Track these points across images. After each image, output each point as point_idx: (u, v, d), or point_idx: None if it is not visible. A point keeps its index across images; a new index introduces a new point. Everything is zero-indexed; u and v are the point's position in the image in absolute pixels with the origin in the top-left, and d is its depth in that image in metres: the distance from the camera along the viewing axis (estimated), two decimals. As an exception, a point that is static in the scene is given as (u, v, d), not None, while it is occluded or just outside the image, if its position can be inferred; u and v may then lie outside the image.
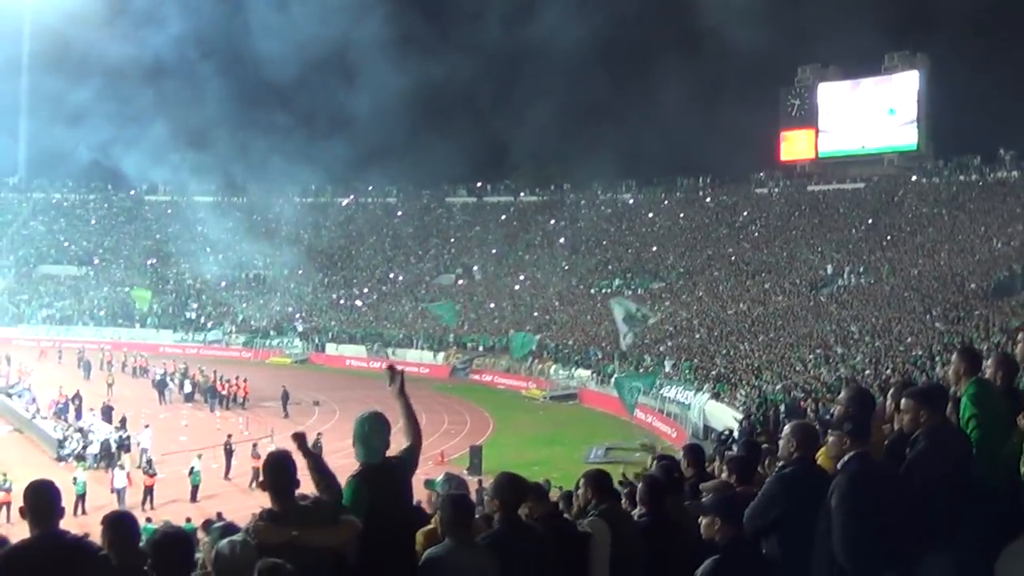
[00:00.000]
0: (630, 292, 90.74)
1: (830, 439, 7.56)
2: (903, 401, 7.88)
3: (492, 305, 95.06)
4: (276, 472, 6.97)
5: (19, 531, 6.50)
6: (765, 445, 11.06)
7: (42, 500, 6.44)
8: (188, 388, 66.58)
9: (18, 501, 6.49)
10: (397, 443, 7.68)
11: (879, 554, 6.89)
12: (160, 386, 66.29)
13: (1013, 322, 50.52)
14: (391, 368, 8.13)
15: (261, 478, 6.96)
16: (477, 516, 8.30)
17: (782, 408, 45.94)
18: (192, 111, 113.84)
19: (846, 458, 7.28)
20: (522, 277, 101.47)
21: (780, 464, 8.40)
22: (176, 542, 6.64)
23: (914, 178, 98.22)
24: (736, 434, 41.24)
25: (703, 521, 7.55)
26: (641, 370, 67.61)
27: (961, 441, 7.68)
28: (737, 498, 7.98)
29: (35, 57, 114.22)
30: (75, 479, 37.45)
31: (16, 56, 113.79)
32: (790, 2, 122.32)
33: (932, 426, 7.55)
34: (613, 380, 62.00)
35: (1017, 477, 7.26)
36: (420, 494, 9.84)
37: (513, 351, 75.15)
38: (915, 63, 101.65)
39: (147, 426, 49.06)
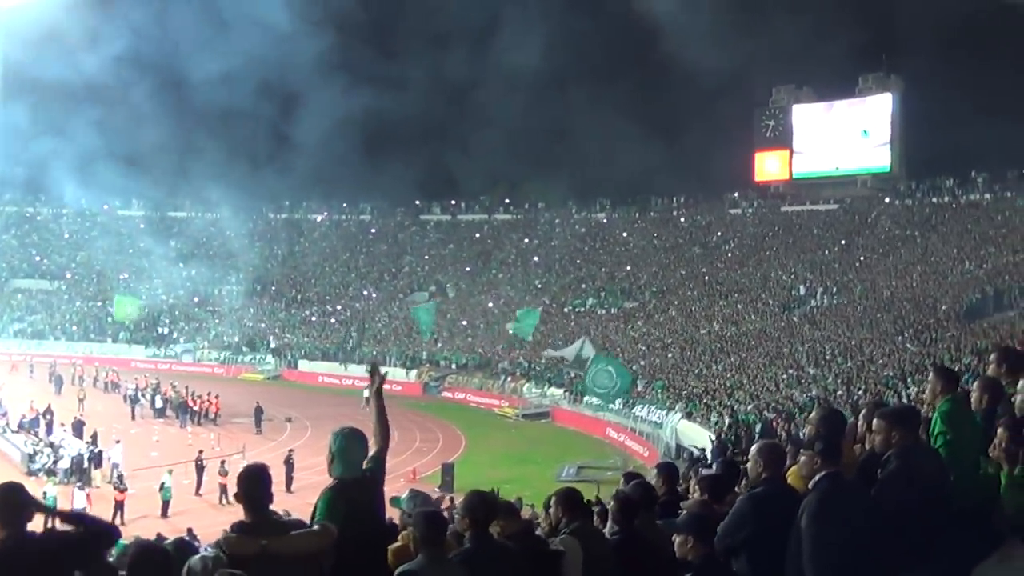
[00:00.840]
0: (603, 311, 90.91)
1: (801, 459, 7.57)
2: (874, 422, 7.90)
3: (464, 323, 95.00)
4: (251, 484, 6.93)
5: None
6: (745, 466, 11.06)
7: (7, 503, 6.41)
8: (160, 404, 66.29)
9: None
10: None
11: (850, 574, 6.89)
12: (133, 401, 66.09)
13: (984, 344, 50.74)
14: (375, 366, 8.11)
15: (236, 490, 6.90)
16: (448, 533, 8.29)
17: (757, 428, 46.03)
18: (165, 126, 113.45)
19: (817, 478, 7.29)
20: (496, 295, 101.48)
21: (749, 484, 8.41)
22: (155, 555, 6.58)
23: (887, 200, 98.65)
24: (708, 453, 41.35)
25: (676, 539, 7.55)
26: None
27: (933, 461, 7.70)
28: (710, 517, 7.99)
29: (6, 72, 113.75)
30: (44, 494, 37.22)
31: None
32: (765, 24, 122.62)
33: (904, 446, 7.57)
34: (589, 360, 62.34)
35: (992, 498, 7.28)
36: (390, 511, 9.83)
37: (518, 328, 76.26)
38: (889, 85, 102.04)
39: (118, 441, 48.89)
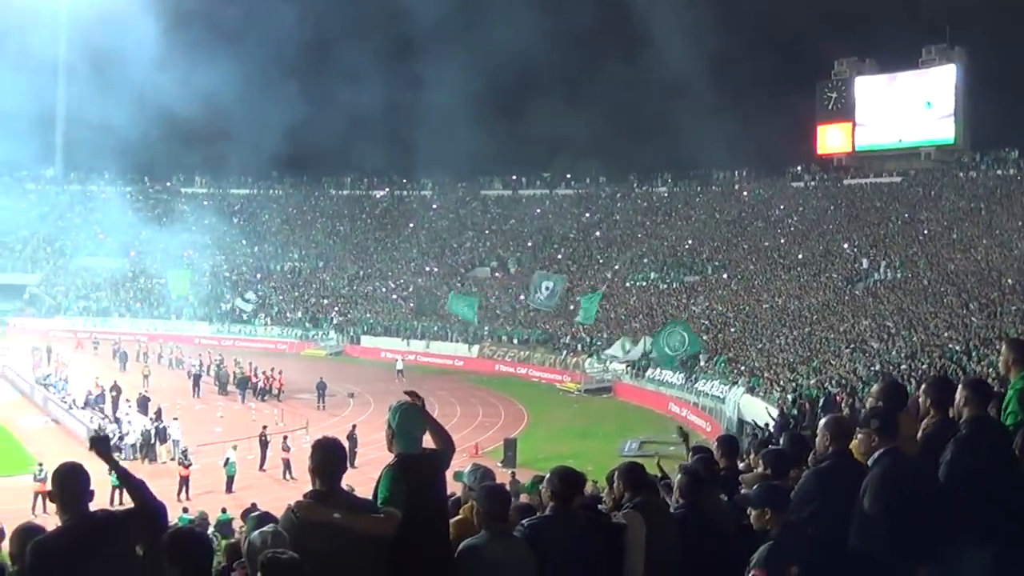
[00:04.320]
0: (664, 286, 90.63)
1: (858, 436, 7.51)
2: (959, 390, 7.79)
3: (523, 297, 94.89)
4: (325, 456, 7.00)
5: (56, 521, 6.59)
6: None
7: (69, 483, 6.54)
8: (224, 380, 66.63)
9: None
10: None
11: (916, 549, 6.84)
12: (196, 379, 66.40)
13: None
14: (411, 393, 8.06)
15: (309, 461, 6.96)
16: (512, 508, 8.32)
17: (820, 402, 45.83)
18: (227, 103, 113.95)
19: (876, 455, 7.24)
20: (557, 270, 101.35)
21: (816, 458, 8.35)
22: (190, 542, 6.62)
23: (951, 172, 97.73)
24: (772, 427, 41.19)
25: (753, 513, 7.50)
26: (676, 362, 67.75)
27: (1002, 435, 7.63)
28: (784, 488, 7.94)
29: (71, 51, 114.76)
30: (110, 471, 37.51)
31: (52, 50, 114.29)
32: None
33: (974, 416, 7.51)
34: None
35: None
36: (453, 486, 9.86)
37: (585, 318, 78.63)
38: (952, 57, 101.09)
39: (175, 419, 49.26)
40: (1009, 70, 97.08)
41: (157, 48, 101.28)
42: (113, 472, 7.10)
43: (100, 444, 7.37)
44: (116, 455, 40.96)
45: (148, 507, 6.83)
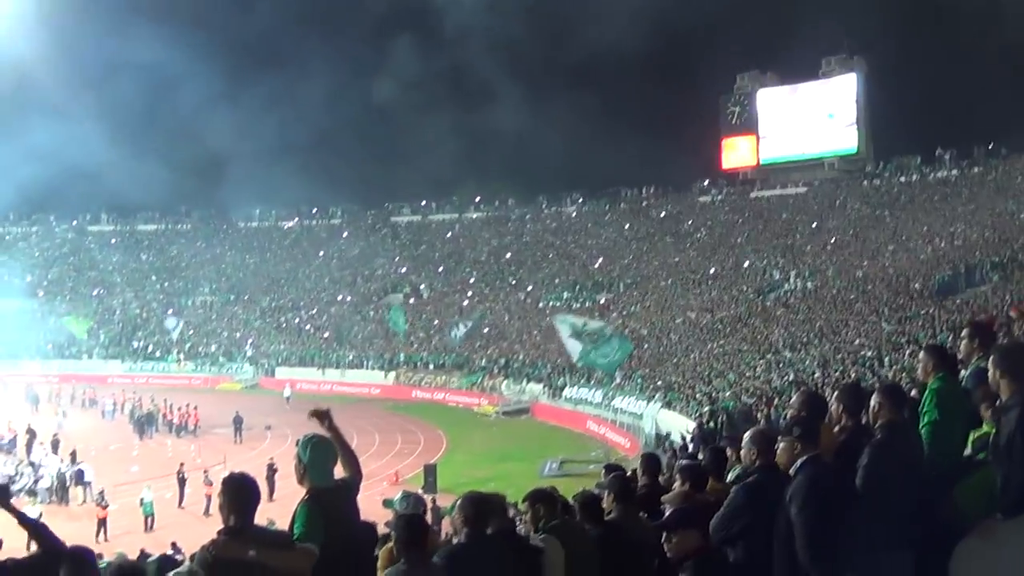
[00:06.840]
0: (577, 305, 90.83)
1: (780, 445, 7.57)
2: (873, 397, 7.90)
3: (436, 322, 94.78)
4: (234, 492, 6.84)
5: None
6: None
7: None
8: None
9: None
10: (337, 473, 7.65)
11: (840, 555, 6.90)
12: (138, 424, 64.93)
13: (959, 320, 50.89)
14: (316, 412, 7.99)
15: (220, 498, 6.85)
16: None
17: (729, 415, 46.13)
18: (133, 139, 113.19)
19: (798, 463, 7.30)
20: (470, 293, 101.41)
21: (743, 473, 8.41)
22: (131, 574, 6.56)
23: (855, 181, 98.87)
24: (690, 441, 41.39)
25: (673, 539, 7.53)
26: (592, 381, 67.87)
27: (917, 439, 7.72)
28: (697, 508, 7.99)
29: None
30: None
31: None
32: (728, 10, 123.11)
33: (889, 421, 7.58)
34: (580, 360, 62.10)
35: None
36: (381, 515, 9.81)
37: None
38: (852, 66, 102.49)
39: (82, 462, 48.39)
40: (908, 77, 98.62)
41: (56, 86, 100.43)
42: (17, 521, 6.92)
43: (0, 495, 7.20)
44: (31, 499, 40.36)
45: (56, 549, 6.72)
